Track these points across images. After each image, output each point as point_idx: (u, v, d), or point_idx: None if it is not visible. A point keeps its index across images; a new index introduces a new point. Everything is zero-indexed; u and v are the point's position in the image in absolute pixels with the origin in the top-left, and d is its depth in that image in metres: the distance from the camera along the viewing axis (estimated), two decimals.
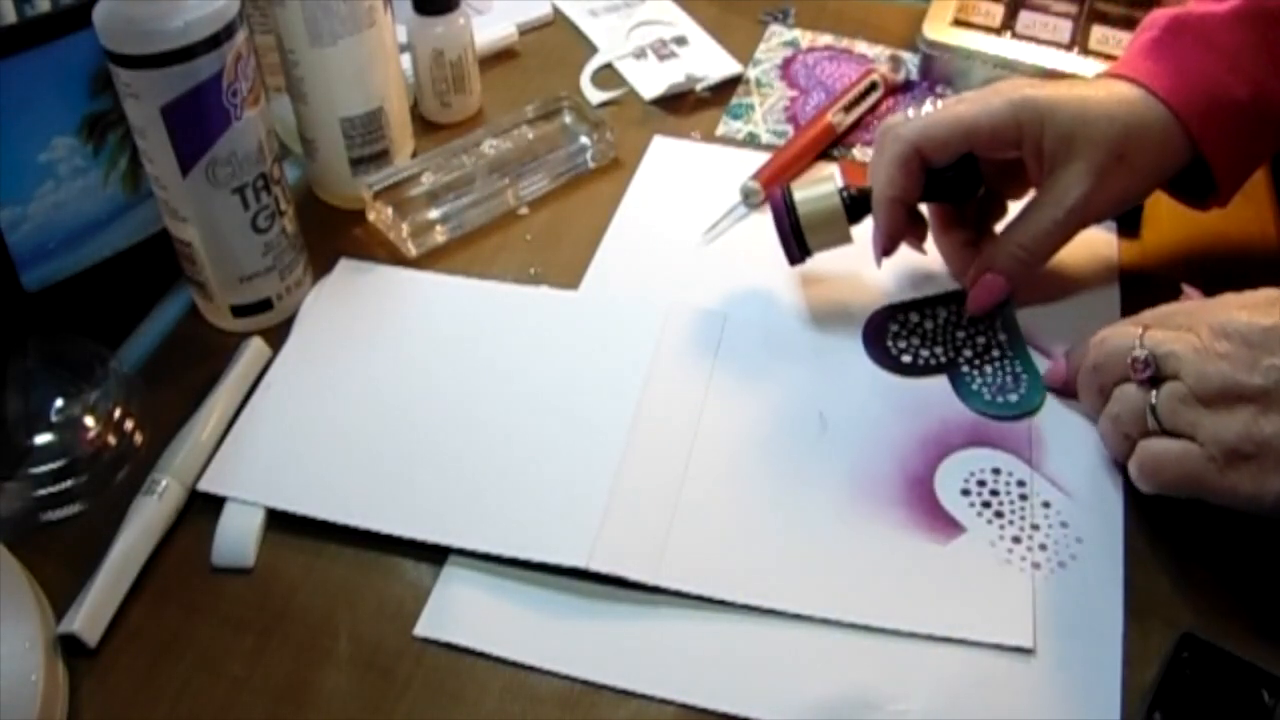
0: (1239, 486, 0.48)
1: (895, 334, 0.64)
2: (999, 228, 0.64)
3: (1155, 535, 0.54)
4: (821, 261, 0.68)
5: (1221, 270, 0.67)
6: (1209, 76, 0.59)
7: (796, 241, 0.63)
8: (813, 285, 0.67)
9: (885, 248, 0.63)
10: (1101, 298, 0.65)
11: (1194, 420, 0.49)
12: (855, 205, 0.63)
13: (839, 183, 0.63)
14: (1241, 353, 0.49)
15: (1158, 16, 0.63)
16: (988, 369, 0.61)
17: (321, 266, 0.69)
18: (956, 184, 0.62)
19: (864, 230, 0.67)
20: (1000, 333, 0.63)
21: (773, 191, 0.65)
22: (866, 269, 0.67)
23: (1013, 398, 0.60)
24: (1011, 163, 0.62)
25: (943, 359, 0.62)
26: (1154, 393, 0.51)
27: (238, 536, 0.55)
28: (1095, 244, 0.68)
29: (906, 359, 0.62)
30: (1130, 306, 0.64)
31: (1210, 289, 0.66)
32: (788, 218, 0.63)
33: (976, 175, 0.62)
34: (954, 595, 0.52)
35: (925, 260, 0.67)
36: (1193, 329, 0.51)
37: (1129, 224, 0.69)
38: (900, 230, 0.62)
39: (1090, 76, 0.64)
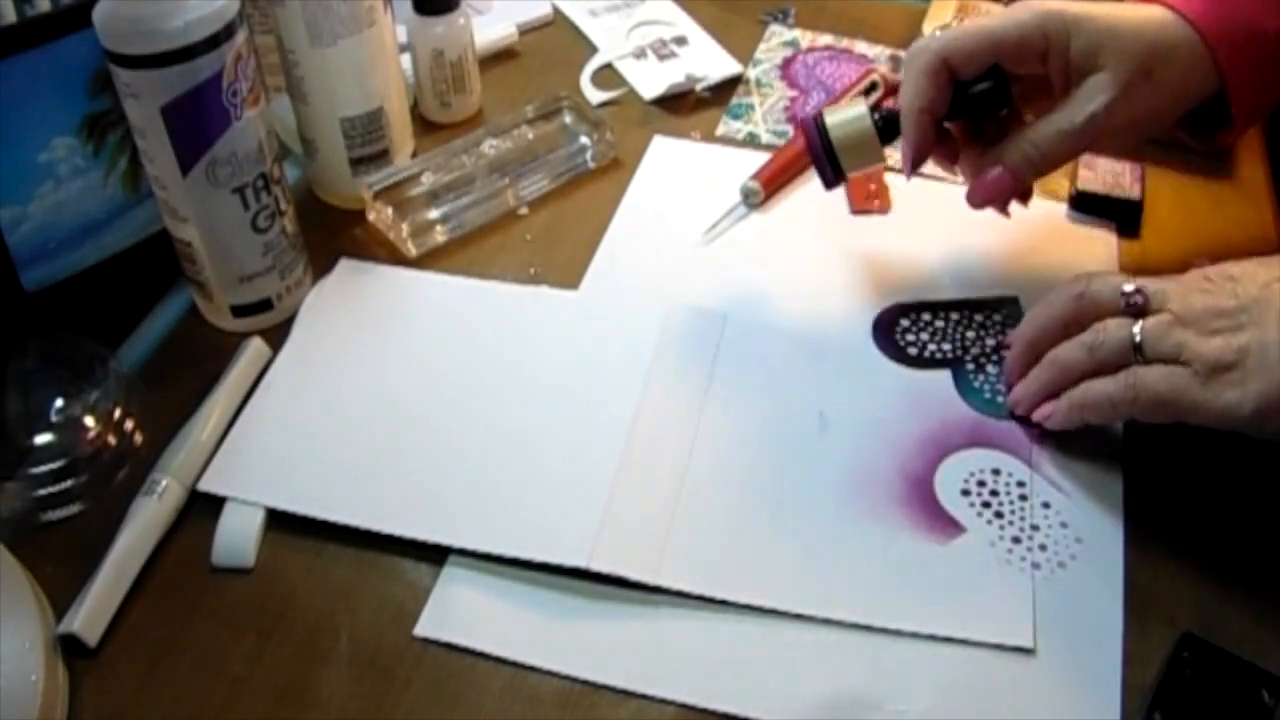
0: (1220, 397, 0.51)
1: (905, 329, 0.64)
2: None
3: (1155, 535, 0.54)
4: (822, 262, 0.68)
5: None
6: (1240, 6, 0.59)
7: (831, 164, 0.63)
8: (813, 286, 0.67)
9: (914, 160, 0.62)
10: None
11: (1179, 341, 0.52)
12: (887, 126, 0.62)
13: (869, 104, 0.63)
14: (1223, 285, 0.53)
15: None
16: (990, 369, 0.61)
17: (321, 266, 0.69)
18: (985, 98, 0.61)
19: (866, 228, 0.67)
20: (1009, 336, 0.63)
21: (805, 119, 0.65)
22: (867, 270, 0.68)
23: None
24: (1037, 82, 0.61)
25: (949, 354, 0.62)
26: (1139, 324, 0.54)
27: (238, 536, 0.55)
28: (1095, 244, 0.68)
29: (913, 351, 0.62)
30: None
31: None
32: (820, 141, 0.62)
33: (1005, 89, 0.60)
34: (954, 595, 0.52)
35: (936, 265, 0.67)
36: (1177, 280, 0.55)
37: (1129, 224, 0.69)
38: (928, 142, 0.61)
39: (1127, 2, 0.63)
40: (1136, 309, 0.55)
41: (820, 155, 0.63)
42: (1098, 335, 0.55)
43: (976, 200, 0.62)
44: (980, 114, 0.62)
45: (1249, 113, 0.61)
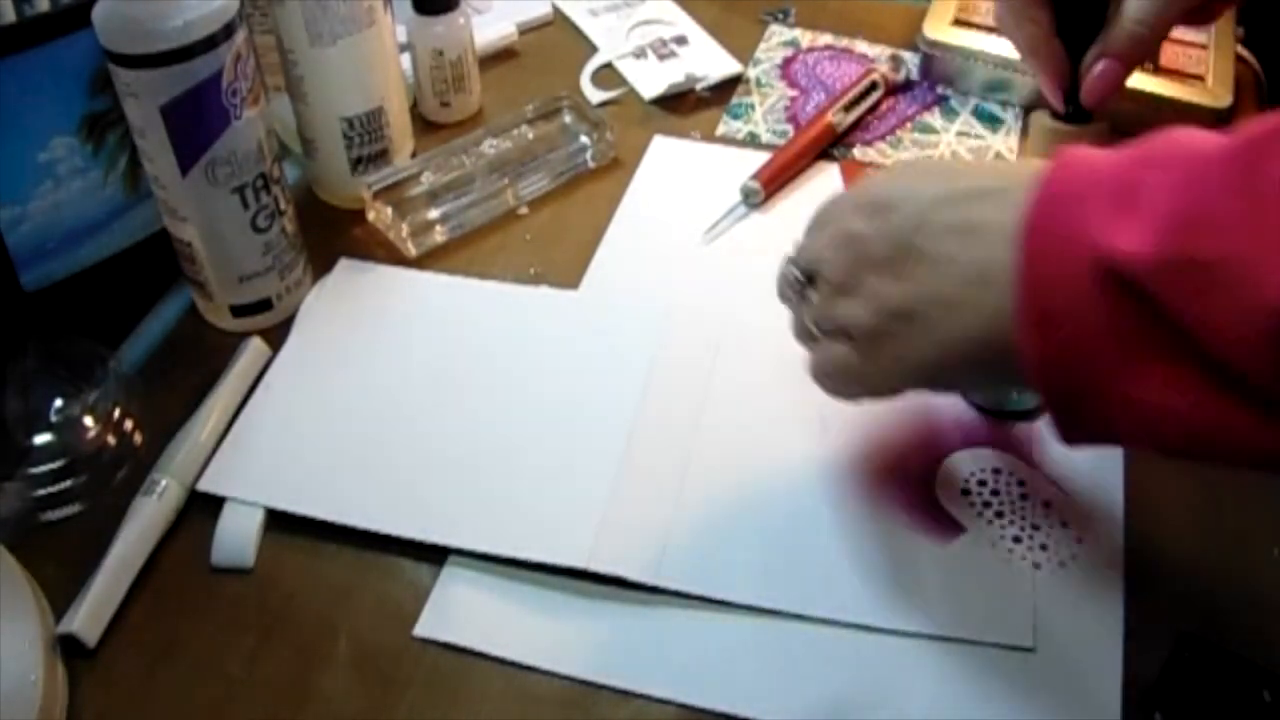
0: (885, 367, 0.47)
1: None
2: None
3: (1156, 535, 0.54)
4: None
5: None
6: None
7: None
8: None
9: (1061, 87, 0.59)
10: None
11: (838, 314, 0.48)
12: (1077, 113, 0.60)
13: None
14: (872, 222, 0.46)
15: None
16: None
17: (321, 266, 0.69)
18: (1086, 10, 0.58)
19: None
20: None
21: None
22: None
23: (1014, 395, 0.60)
24: None
25: None
26: (805, 307, 0.50)
27: (237, 536, 0.55)
28: None
29: None
30: None
31: None
32: None
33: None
34: (954, 595, 0.52)
35: None
36: (831, 220, 0.49)
37: None
38: (1063, 65, 0.58)
39: None
40: (799, 289, 0.50)
41: None
42: (792, 328, 0.52)
43: (1093, 99, 0.59)
44: (1084, 28, 0.59)
45: None
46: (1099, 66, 0.58)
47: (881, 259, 0.46)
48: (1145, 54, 0.60)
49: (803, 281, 0.50)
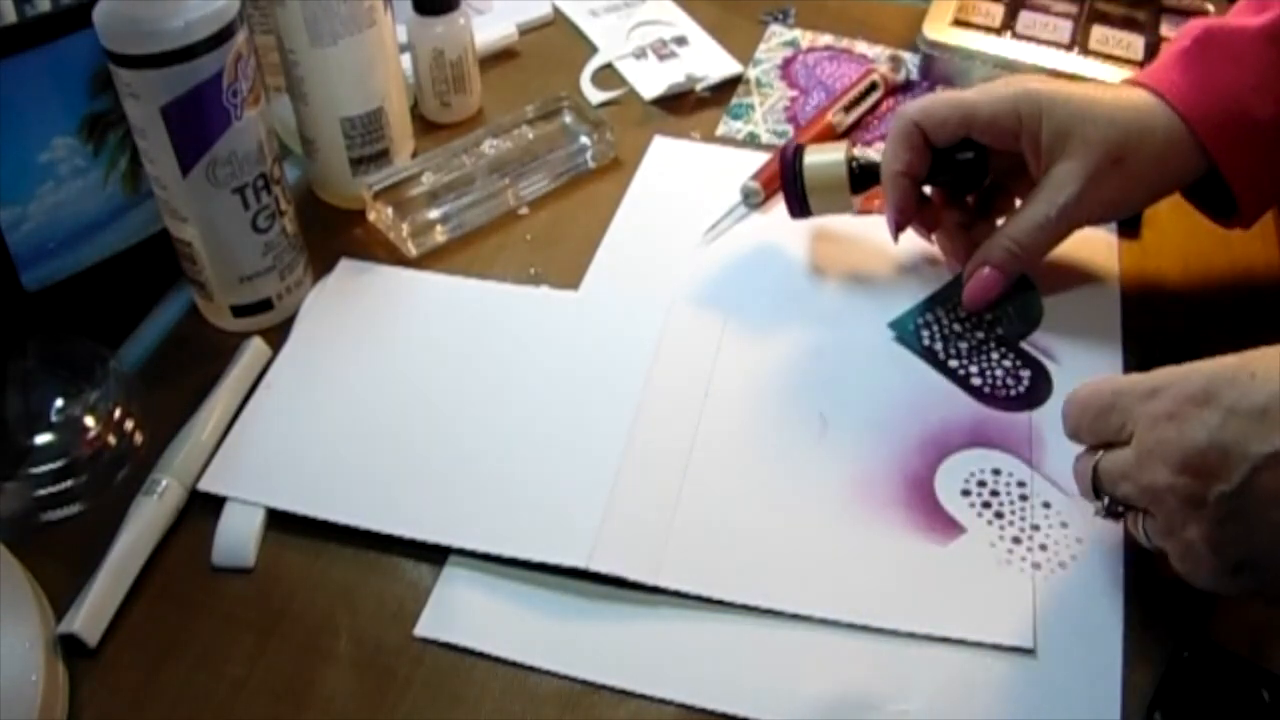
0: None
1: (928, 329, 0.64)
2: (1001, 222, 0.64)
3: None
4: (823, 262, 0.68)
5: (1221, 271, 0.67)
6: (1231, 92, 0.58)
7: (799, 202, 0.65)
8: (813, 286, 0.67)
9: (896, 222, 0.64)
10: (1102, 297, 0.65)
11: (1181, 535, 0.46)
12: (862, 176, 0.64)
13: (850, 152, 0.64)
14: (1198, 481, 0.44)
15: (1191, 27, 0.61)
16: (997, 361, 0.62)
17: (322, 266, 0.69)
18: (963, 169, 0.62)
19: (865, 228, 0.67)
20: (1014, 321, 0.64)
21: (786, 146, 0.66)
22: (868, 270, 0.68)
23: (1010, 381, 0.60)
24: (1021, 159, 0.62)
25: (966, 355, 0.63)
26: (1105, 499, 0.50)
27: (238, 536, 0.55)
28: (1095, 244, 0.68)
29: (951, 362, 0.63)
30: (1130, 307, 0.64)
31: (1210, 291, 0.66)
32: (794, 178, 0.64)
33: (983, 164, 0.62)
34: (954, 596, 0.52)
35: (937, 265, 0.67)
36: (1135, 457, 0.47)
37: (1129, 224, 0.69)
38: (908, 205, 0.63)
39: (1116, 82, 0.64)
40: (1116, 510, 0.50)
41: (790, 189, 0.65)
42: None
43: (971, 303, 0.63)
44: (959, 184, 0.64)
45: (1255, 199, 0.61)
46: (980, 274, 0.63)
47: (1214, 518, 0.44)
48: (1025, 268, 0.63)
49: (1118, 509, 0.49)
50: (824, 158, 0.65)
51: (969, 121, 0.60)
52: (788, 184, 0.65)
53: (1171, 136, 0.59)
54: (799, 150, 0.65)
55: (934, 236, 0.66)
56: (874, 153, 0.65)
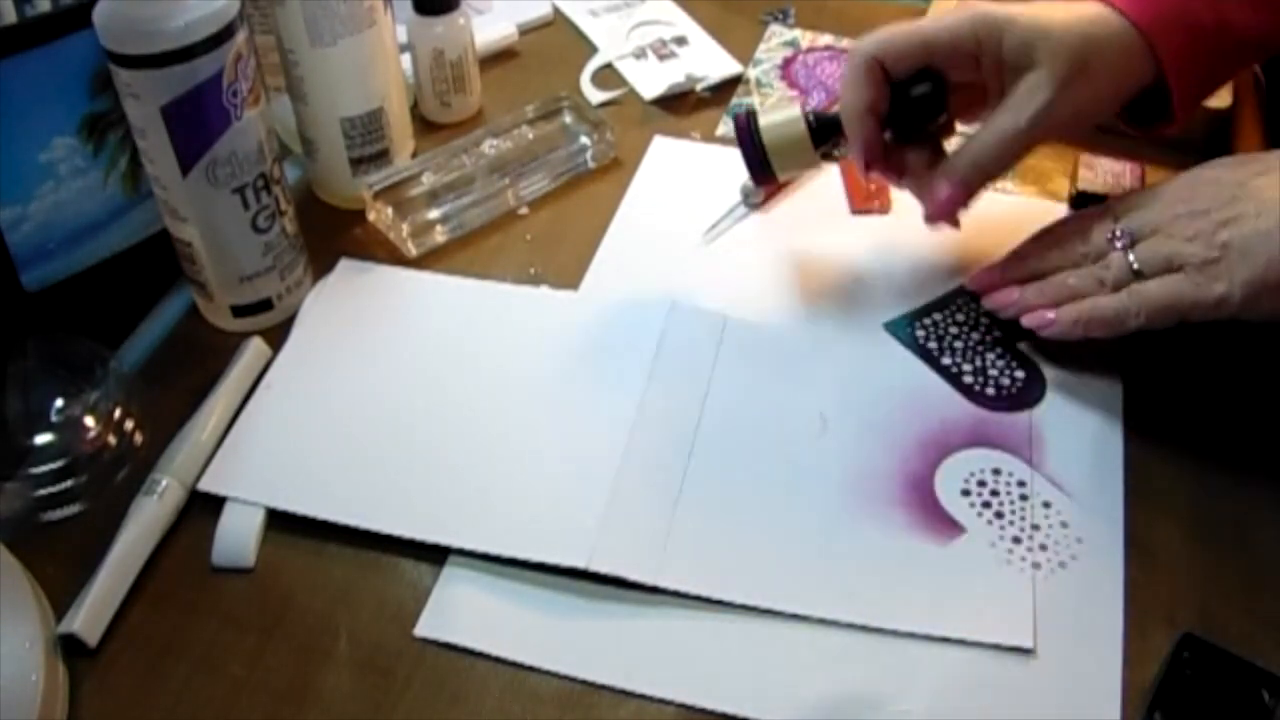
0: (1212, 291, 0.54)
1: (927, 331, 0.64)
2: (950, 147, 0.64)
3: (1155, 535, 0.54)
4: (822, 262, 0.68)
5: None
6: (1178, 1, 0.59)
7: (761, 164, 0.64)
8: (813, 286, 0.67)
9: (865, 159, 0.62)
10: None
11: (1169, 252, 0.56)
12: (821, 129, 0.63)
13: (804, 108, 0.64)
14: (1200, 190, 0.57)
15: None
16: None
17: (322, 266, 0.69)
18: (922, 102, 0.61)
19: (865, 228, 0.66)
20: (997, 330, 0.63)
21: (738, 115, 0.65)
22: (868, 270, 0.68)
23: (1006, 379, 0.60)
24: (973, 93, 0.62)
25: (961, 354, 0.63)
26: (1132, 253, 0.57)
27: (238, 536, 0.55)
28: None
29: (947, 362, 0.63)
30: None
31: None
32: (751, 142, 0.64)
33: (943, 93, 0.61)
34: (954, 596, 0.52)
35: (937, 265, 0.67)
36: (1155, 198, 0.59)
37: None
38: (875, 142, 0.62)
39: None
40: (1126, 245, 0.58)
41: (751, 156, 0.64)
42: (1106, 270, 0.58)
43: (933, 218, 0.63)
44: (917, 118, 0.63)
45: (1189, 100, 0.62)
46: (943, 190, 0.62)
47: (1207, 208, 0.56)
48: (988, 182, 0.63)
49: (1127, 243, 0.58)
50: (779, 116, 0.64)
51: (929, 50, 0.60)
52: (746, 149, 0.64)
53: (1125, 44, 0.59)
54: (751, 114, 0.64)
55: (903, 181, 0.65)
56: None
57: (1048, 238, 0.62)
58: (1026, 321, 0.60)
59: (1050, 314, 0.59)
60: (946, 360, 0.62)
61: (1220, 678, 0.48)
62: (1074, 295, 0.59)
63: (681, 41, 0.86)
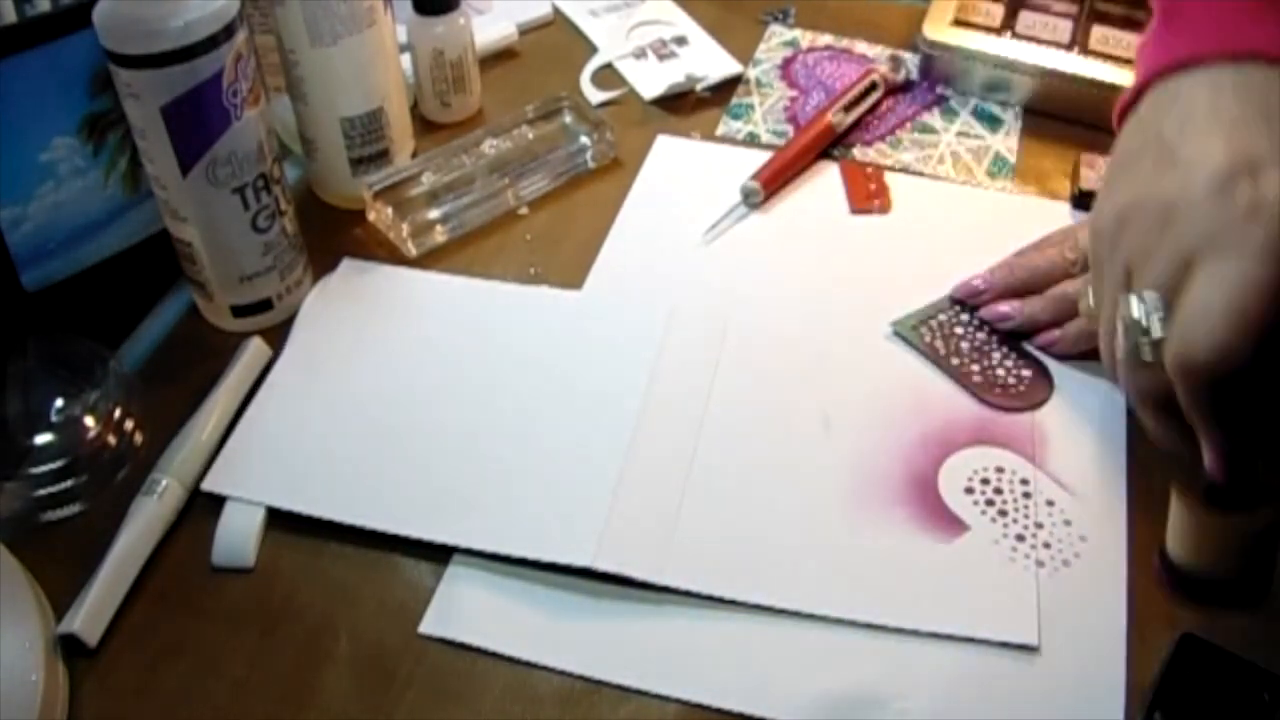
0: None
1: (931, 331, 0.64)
2: None
3: (1158, 534, 0.54)
4: (823, 262, 0.68)
5: None
6: None
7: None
8: (814, 285, 0.67)
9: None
10: None
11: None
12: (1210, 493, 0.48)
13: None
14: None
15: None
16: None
17: (322, 266, 0.69)
18: None
19: (865, 228, 0.66)
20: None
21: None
22: (868, 270, 0.67)
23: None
24: None
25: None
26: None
27: (238, 536, 0.55)
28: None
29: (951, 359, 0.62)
30: None
31: None
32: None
33: None
34: (958, 593, 0.52)
35: (937, 265, 0.67)
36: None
37: None
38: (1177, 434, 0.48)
39: None
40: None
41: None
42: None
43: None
44: None
45: None
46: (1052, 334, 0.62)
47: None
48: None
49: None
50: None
51: None
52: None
53: None
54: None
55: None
56: None
57: (1034, 253, 0.64)
58: (1034, 341, 0.62)
59: (1055, 333, 0.61)
60: (955, 361, 0.62)
61: (1220, 677, 0.48)
62: (1075, 305, 0.59)
63: (681, 41, 0.86)
